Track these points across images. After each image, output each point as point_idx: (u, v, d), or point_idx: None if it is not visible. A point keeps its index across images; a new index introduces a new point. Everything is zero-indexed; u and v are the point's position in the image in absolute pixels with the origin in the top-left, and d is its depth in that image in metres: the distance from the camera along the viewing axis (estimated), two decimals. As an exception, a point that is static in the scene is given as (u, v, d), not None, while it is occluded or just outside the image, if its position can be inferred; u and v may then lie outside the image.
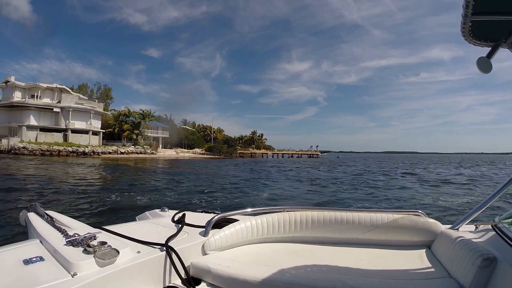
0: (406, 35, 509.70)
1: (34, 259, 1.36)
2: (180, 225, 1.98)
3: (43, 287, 1.14)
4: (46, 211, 1.98)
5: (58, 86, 52.05)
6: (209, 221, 1.96)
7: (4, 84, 52.22)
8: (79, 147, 44.95)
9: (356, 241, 2.10)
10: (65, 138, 48.26)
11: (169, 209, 2.55)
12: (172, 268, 1.54)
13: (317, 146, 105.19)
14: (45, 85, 50.53)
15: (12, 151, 40.43)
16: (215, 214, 2.10)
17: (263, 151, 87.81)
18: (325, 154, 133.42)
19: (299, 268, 1.70)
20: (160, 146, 63.53)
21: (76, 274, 1.25)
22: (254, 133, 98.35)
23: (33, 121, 47.26)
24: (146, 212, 2.63)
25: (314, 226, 2.15)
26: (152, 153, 54.59)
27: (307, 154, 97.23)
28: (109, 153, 47.68)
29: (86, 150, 44.55)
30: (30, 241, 1.62)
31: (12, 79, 51.21)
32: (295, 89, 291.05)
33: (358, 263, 1.79)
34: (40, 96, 50.01)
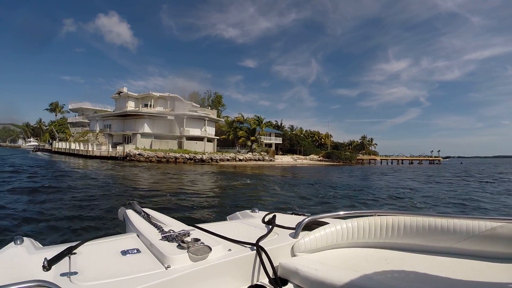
0: (509, 18, 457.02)
1: (131, 250, 1.64)
2: (270, 226, 2.13)
3: (139, 275, 1.36)
4: (143, 209, 2.37)
5: (171, 95, 54.30)
6: (299, 223, 2.08)
7: (117, 95, 56.64)
8: (196, 154, 44.57)
9: (450, 251, 2.05)
10: (180, 145, 49.23)
11: (259, 210, 2.72)
12: (261, 267, 1.67)
13: (439, 151, 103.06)
14: (157, 94, 53.18)
15: (128, 158, 41.38)
16: (305, 216, 2.22)
17: (382, 157, 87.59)
18: (447, 159, 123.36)
19: (388, 275, 1.74)
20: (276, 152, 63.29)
21: (170, 267, 1.45)
22: (364, 137, 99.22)
23: (147, 129, 49.08)
24: (237, 213, 2.80)
25: (405, 232, 2.14)
26: (271, 160, 54.07)
27: (428, 160, 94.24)
28: (227, 160, 46.97)
29: (204, 157, 43.67)
30: (128, 234, 1.97)
31: (125, 90, 55.23)
32: (395, 90, 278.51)
33: (450, 274, 1.76)
34: (153, 105, 52.65)
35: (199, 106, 59.15)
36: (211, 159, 44.44)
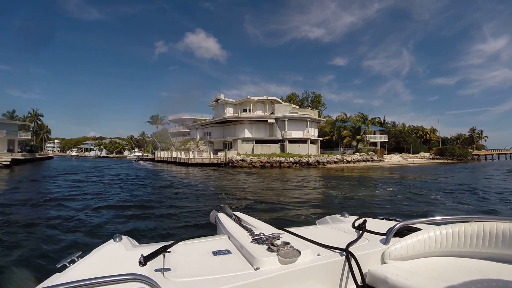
0: None
1: (222, 251, 1.80)
2: (360, 231, 2.15)
3: (228, 275, 1.47)
4: (234, 212, 2.58)
5: (269, 98, 55.26)
6: (390, 229, 2.06)
7: (214, 102, 59.69)
8: (301, 157, 44.23)
9: None
10: (282, 148, 49.48)
11: (349, 214, 2.76)
12: (349, 273, 1.70)
13: None
14: (255, 98, 54.47)
15: (230, 164, 42.69)
16: (397, 222, 2.19)
17: (499, 151, 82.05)
18: None
19: None
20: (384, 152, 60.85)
21: (259, 269, 1.54)
22: (473, 130, 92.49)
23: (247, 134, 50.58)
24: (326, 217, 2.89)
25: (505, 241, 1.96)
26: (380, 160, 51.97)
27: None
28: (334, 162, 45.84)
29: (310, 160, 43.04)
30: (219, 236, 2.17)
31: (222, 96, 57.90)
32: (496, 73, 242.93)
33: None
34: (251, 110, 54.15)
35: (298, 107, 59.27)
36: (318, 162, 43.69)
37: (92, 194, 14.45)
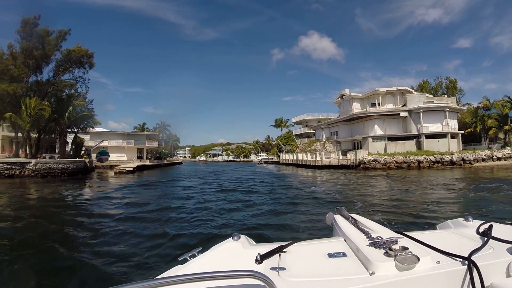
0: None
1: (337, 254, 1.87)
2: (485, 238, 2.03)
3: (343, 278, 1.53)
4: (350, 214, 2.64)
5: (399, 88, 53.50)
6: None
7: (339, 99, 60.35)
8: (442, 154, 42.21)
9: None
10: (418, 145, 47.44)
11: (473, 218, 2.58)
12: (470, 285, 1.61)
13: None
14: (384, 90, 53.37)
15: (361, 165, 42.96)
16: None
17: None
18: None
19: None
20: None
21: (374, 273, 1.56)
22: None
23: (378, 131, 50.16)
24: (448, 221, 2.75)
25: None
26: None
27: None
28: (482, 159, 42.10)
29: (454, 158, 41.01)
30: (335, 238, 2.30)
31: (347, 91, 58.22)
32: None
33: None
34: (380, 103, 53.22)
35: (432, 96, 56.05)
36: (463, 160, 41.24)
37: (209, 196, 17.19)
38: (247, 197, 16.13)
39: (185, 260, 1.99)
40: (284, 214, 11.47)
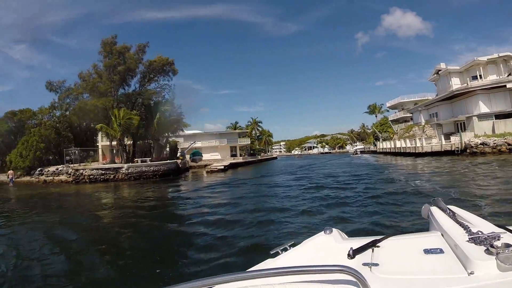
0: None
1: (434, 250, 1.78)
2: None
3: (438, 277, 1.45)
4: (448, 206, 2.45)
5: (501, 55, 47.53)
6: None
7: (435, 75, 55.84)
8: None
9: None
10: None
11: None
12: None
13: None
14: (484, 59, 47.75)
15: (468, 150, 39.34)
16: None
17: None
18: None
19: None
20: None
21: (473, 273, 1.45)
22: None
23: (483, 108, 45.25)
24: None
25: None
26: None
27: None
28: None
29: None
30: (431, 233, 2.19)
31: (443, 65, 53.57)
32: None
33: None
34: (482, 75, 48.00)
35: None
36: None
37: (305, 190, 17.75)
38: (341, 193, 15.55)
39: (277, 254, 2.06)
40: (379, 209, 11.14)
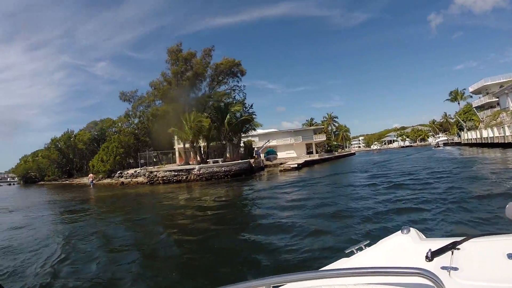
0: None
1: None
2: None
3: None
4: None
5: None
6: None
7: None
8: None
9: None
10: None
11: None
12: None
13: None
14: None
15: None
16: None
17: None
18: None
19: None
20: None
21: None
22: None
23: None
24: None
25: None
26: None
27: None
28: None
29: None
30: None
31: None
32: None
33: None
34: None
35: None
36: None
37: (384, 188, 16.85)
38: (419, 194, 13.88)
39: (352, 253, 2.02)
40: (463, 212, 9.84)
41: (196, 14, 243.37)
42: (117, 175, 42.14)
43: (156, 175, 37.26)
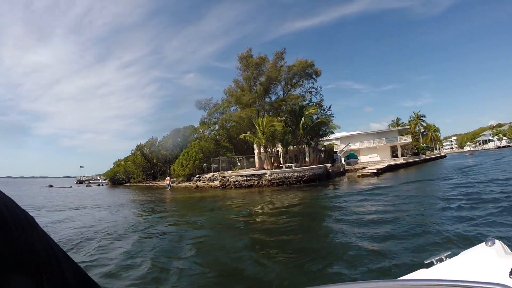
0: None
1: None
2: None
3: None
4: None
5: None
6: None
7: None
8: None
9: None
10: None
11: None
12: None
13: None
14: None
15: None
16: None
17: None
18: None
19: None
20: None
21: None
22: None
23: None
24: None
25: None
26: None
27: None
28: None
29: None
30: None
31: None
32: None
33: None
34: None
35: None
36: None
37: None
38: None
39: (431, 264, 2.02)
40: None
41: (277, 21, 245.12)
42: (195, 178, 44.29)
43: (228, 180, 38.17)
